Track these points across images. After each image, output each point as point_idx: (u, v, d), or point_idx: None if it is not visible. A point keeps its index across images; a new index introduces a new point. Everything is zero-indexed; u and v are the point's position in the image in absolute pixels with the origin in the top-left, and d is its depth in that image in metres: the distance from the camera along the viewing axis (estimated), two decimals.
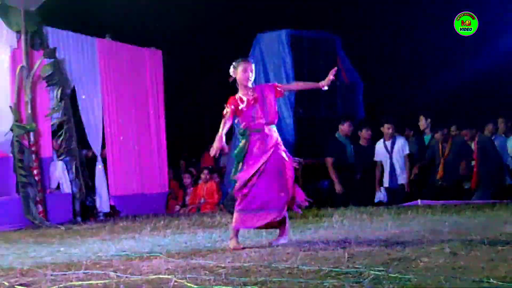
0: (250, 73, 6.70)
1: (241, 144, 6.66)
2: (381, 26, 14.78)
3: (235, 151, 6.69)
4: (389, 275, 4.43)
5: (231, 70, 6.73)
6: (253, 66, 6.77)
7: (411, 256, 5.25)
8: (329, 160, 12.11)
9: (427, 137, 12.49)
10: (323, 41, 13.32)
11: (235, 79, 6.74)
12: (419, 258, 5.10)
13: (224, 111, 6.64)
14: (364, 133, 12.49)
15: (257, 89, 6.80)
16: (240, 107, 6.63)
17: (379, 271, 4.58)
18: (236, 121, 6.92)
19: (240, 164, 6.62)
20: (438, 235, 6.65)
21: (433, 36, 13.25)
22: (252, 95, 6.69)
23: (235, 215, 6.55)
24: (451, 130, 12.09)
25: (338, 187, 12.00)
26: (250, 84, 6.71)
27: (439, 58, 14.69)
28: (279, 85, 6.94)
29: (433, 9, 12.43)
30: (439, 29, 12.10)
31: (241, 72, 6.68)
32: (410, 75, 15.29)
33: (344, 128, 12.36)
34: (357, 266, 4.85)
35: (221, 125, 6.55)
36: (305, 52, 12.78)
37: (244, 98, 6.67)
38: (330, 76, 6.88)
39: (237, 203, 6.58)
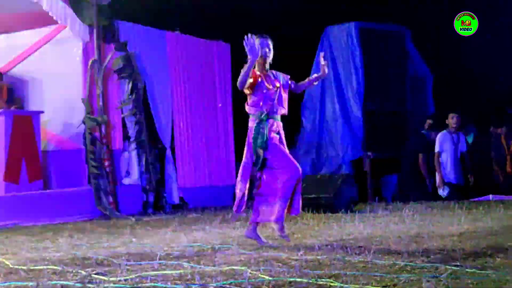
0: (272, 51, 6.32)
1: (261, 130, 6.16)
2: (453, 17, 14.51)
3: (258, 139, 6.15)
4: (467, 270, 4.37)
5: (255, 43, 6.08)
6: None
7: (487, 251, 5.16)
8: (421, 157, 11.88)
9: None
10: (393, 33, 13.20)
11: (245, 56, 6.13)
12: (496, 254, 5.01)
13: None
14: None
15: (277, 75, 6.38)
16: (260, 85, 6.20)
17: (455, 266, 4.52)
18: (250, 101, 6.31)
19: (262, 151, 6.17)
20: None
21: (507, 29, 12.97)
22: (274, 79, 6.31)
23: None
24: None
25: (439, 181, 11.69)
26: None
27: None
28: (291, 81, 6.50)
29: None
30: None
31: (258, 46, 6.14)
32: (484, 68, 14.97)
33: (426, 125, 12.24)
34: (432, 261, 4.79)
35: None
36: (374, 45, 12.68)
37: (265, 79, 6.24)
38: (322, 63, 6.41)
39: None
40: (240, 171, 6.40)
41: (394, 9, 14.43)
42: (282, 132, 6.37)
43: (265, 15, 14.89)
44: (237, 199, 6.40)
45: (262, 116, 6.19)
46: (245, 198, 6.35)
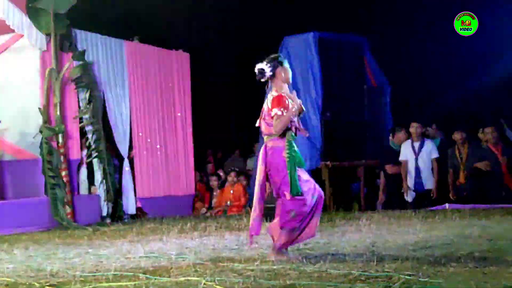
0: None
1: (295, 148, 6.15)
2: (409, 28, 14.70)
3: (296, 158, 6.09)
4: (419, 279, 4.42)
5: (276, 66, 6.23)
6: None
7: (441, 260, 5.23)
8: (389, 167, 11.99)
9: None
10: (351, 43, 13.26)
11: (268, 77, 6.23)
12: (449, 263, 5.08)
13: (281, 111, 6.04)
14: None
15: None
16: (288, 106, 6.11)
17: (408, 275, 4.56)
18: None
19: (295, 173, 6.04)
20: (467, 239, 6.62)
21: (462, 37, 13.14)
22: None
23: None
24: (486, 132, 11.74)
25: (404, 187, 11.81)
26: None
27: (469, 60, 14.54)
28: None
29: (465, 9, 12.33)
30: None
31: (288, 69, 6.30)
32: (439, 77, 15.18)
33: (401, 136, 12.32)
34: (386, 270, 4.84)
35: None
36: (332, 54, 12.73)
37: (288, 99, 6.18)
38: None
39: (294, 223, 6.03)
40: (257, 192, 6.19)
41: (352, 19, 14.58)
42: None
43: (223, 25, 14.96)
44: (254, 221, 6.14)
45: (292, 135, 6.17)
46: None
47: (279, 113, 6.03)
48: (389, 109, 14.10)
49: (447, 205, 10.88)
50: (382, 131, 13.27)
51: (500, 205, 10.49)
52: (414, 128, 11.75)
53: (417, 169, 11.67)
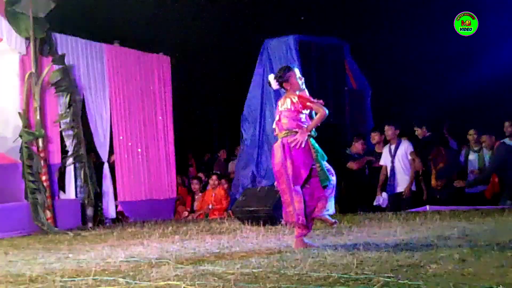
0: None
1: (315, 144, 6.87)
2: (390, 31, 14.74)
3: (320, 152, 6.87)
4: (398, 281, 4.43)
5: (282, 81, 6.89)
6: None
7: (420, 262, 5.23)
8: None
9: None
10: (331, 47, 13.30)
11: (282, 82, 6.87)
12: (428, 265, 5.09)
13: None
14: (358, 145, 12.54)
15: None
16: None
17: (388, 277, 4.57)
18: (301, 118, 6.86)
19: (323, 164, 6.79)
20: (447, 241, 6.63)
21: (442, 41, 13.20)
22: None
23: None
24: (469, 134, 11.81)
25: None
26: None
27: (449, 63, 14.60)
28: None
29: (443, 14, 12.41)
30: (447, 34, 12.05)
31: (295, 79, 6.91)
32: (421, 80, 15.23)
33: (358, 145, 12.40)
34: (366, 273, 4.84)
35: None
36: (313, 58, 12.76)
37: None
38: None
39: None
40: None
41: (333, 23, 14.60)
42: None
43: (205, 28, 14.92)
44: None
45: (314, 132, 6.91)
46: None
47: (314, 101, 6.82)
48: (370, 112, 14.14)
49: (427, 207, 10.91)
50: (363, 134, 13.30)
51: (481, 207, 10.56)
52: (386, 130, 11.83)
53: (393, 171, 11.69)
